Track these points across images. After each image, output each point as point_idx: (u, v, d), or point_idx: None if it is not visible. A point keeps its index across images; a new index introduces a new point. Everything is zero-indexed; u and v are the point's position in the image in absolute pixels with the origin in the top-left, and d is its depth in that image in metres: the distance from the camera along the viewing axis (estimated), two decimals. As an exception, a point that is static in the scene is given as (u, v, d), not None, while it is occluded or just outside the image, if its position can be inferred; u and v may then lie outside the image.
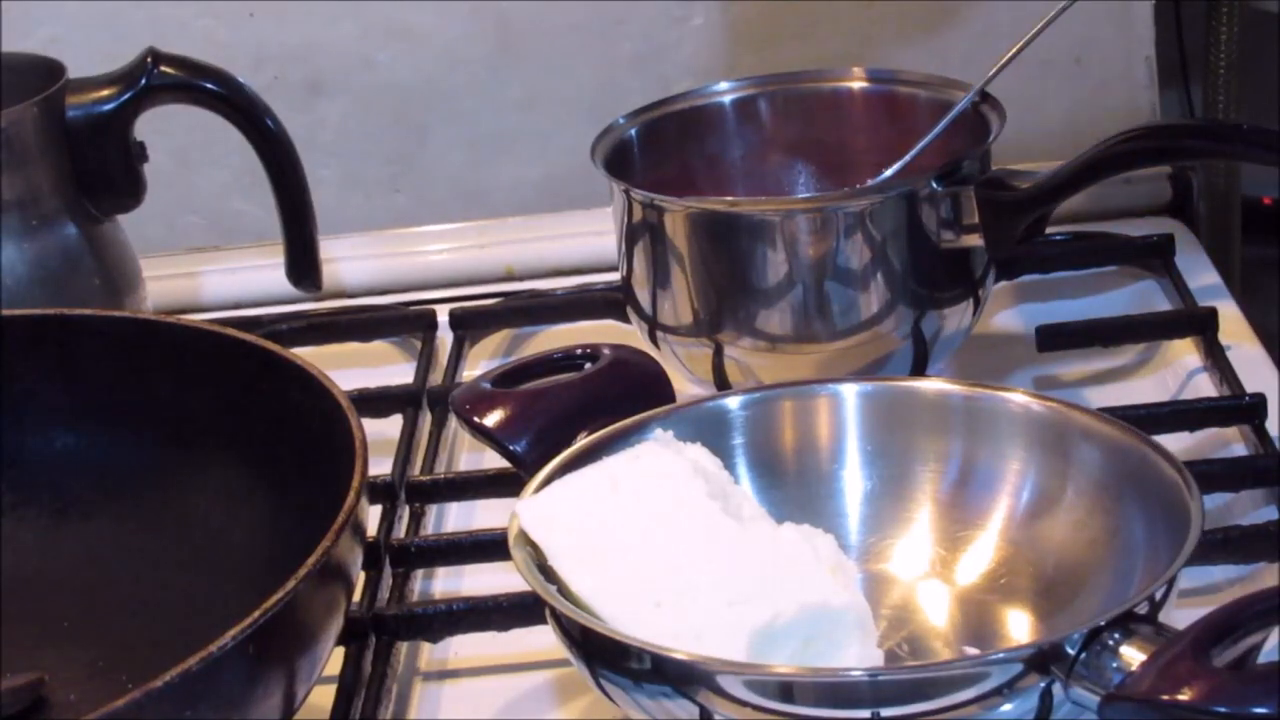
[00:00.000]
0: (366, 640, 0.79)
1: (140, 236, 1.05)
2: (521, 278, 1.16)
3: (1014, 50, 0.91)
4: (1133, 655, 0.61)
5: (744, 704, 0.62)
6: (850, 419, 0.78)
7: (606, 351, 0.81)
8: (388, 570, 0.84)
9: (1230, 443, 0.90)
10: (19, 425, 0.84)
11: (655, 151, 0.99)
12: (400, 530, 0.88)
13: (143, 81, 0.99)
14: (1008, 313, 1.04)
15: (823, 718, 0.63)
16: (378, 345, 1.08)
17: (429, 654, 0.82)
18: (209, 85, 1.00)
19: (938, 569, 0.76)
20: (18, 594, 0.81)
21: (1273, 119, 1.06)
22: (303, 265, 1.04)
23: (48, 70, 1.00)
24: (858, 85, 1.00)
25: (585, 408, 0.78)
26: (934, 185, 0.89)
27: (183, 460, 0.83)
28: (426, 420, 0.97)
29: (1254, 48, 1.32)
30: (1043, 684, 0.62)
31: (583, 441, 0.76)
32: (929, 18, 1.18)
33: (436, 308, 1.08)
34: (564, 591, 0.68)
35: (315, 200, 1.03)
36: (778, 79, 1.02)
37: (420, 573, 0.87)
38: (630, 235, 0.93)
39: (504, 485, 0.86)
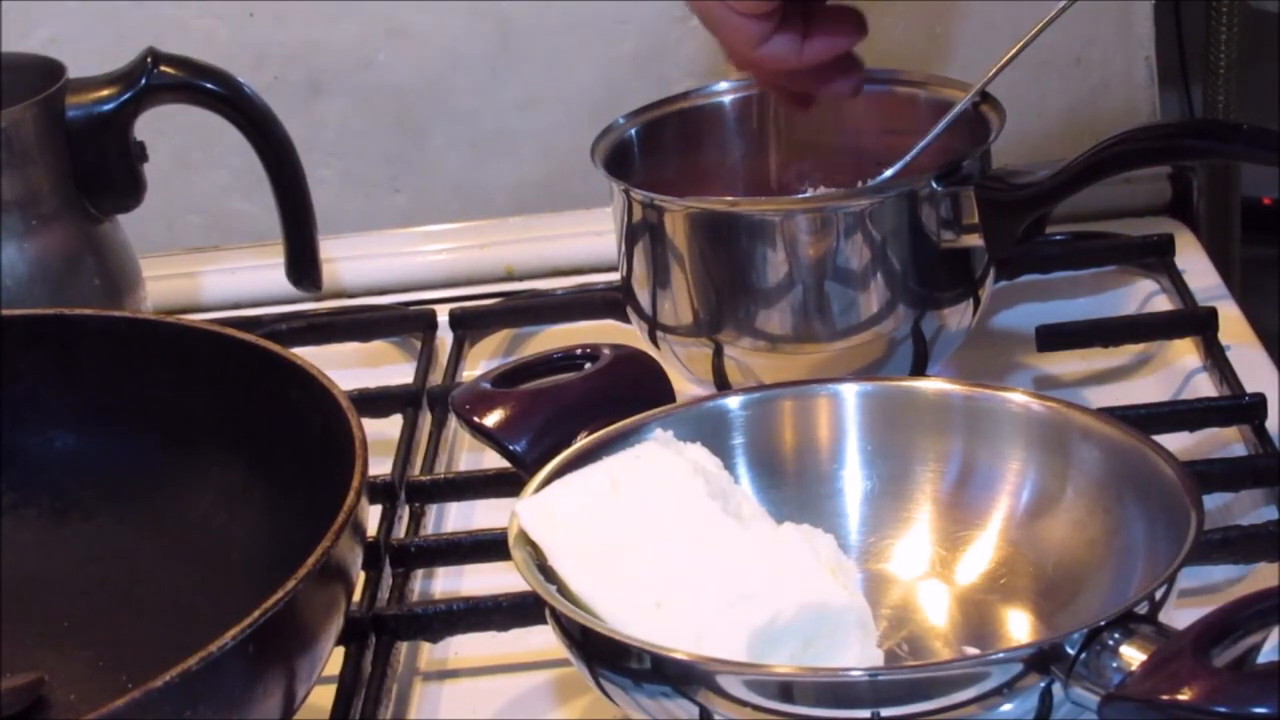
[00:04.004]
0: (366, 640, 0.79)
1: (140, 236, 1.05)
2: (521, 278, 1.16)
3: (1014, 50, 0.91)
4: (1133, 655, 0.61)
5: (744, 704, 0.62)
6: (850, 419, 0.78)
7: (606, 351, 0.81)
8: (388, 570, 0.84)
9: (1230, 443, 0.90)
10: (19, 425, 0.84)
11: (655, 151, 0.99)
12: (400, 530, 0.88)
13: (143, 81, 0.99)
14: (1008, 313, 1.04)
15: (823, 718, 0.63)
16: (378, 345, 1.08)
17: (429, 654, 0.82)
18: (209, 85, 1.00)
19: (938, 569, 0.76)
20: (18, 594, 0.81)
21: (1273, 119, 1.05)
22: (303, 265, 1.04)
23: (48, 70, 1.00)
24: (858, 85, 1.00)
25: (585, 408, 0.78)
26: (934, 185, 0.89)
27: (183, 460, 0.83)
28: (426, 420, 0.97)
29: (1254, 48, 1.32)
30: (1043, 684, 0.62)
31: (583, 441, 0.76)
32: (929, 18, 1.18)
33: (436, 308, 1.08)
34: (564, 591, 0.68)
35: (315, 200, 1.03)
36: (778, 79, 1.02)
37: (420, 573, 0.87)
38: (630, 235, 0.93)
39: (504, 485, 0.86)
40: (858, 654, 0.67)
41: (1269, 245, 1.74)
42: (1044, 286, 1.05)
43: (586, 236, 1.15)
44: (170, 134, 1.15)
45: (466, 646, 0.82)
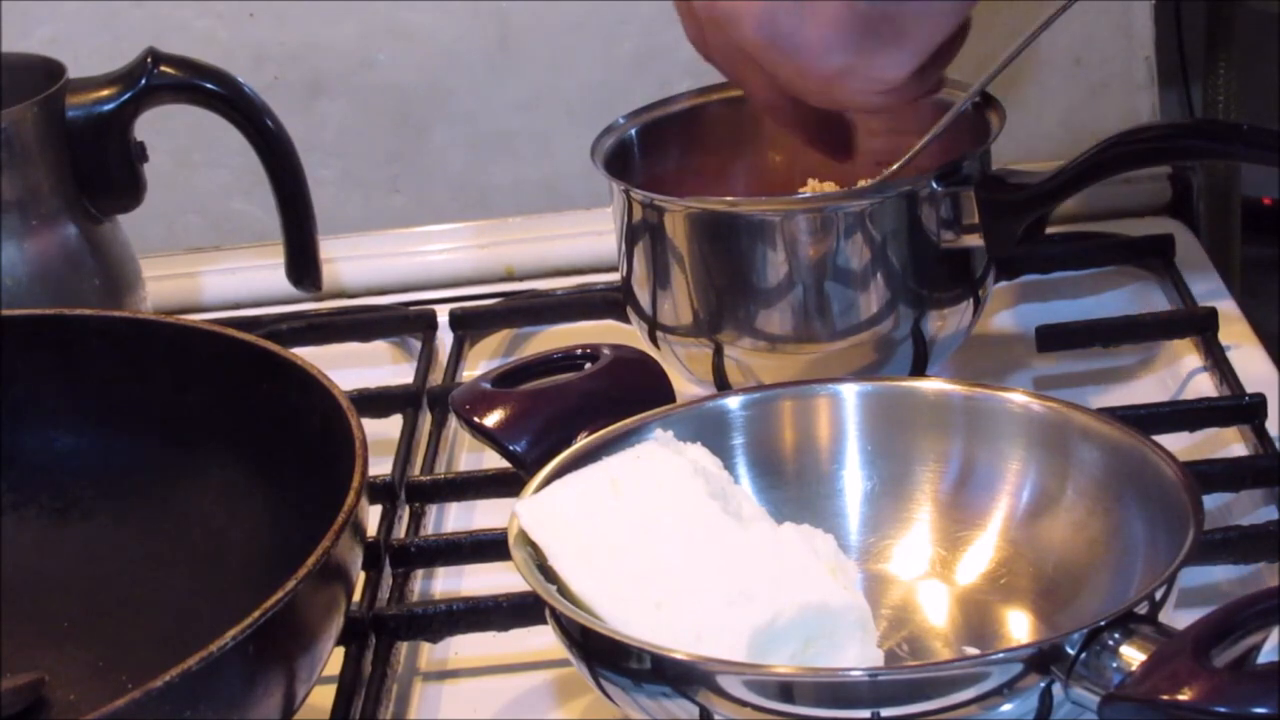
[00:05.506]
0: (366, 640, 0.79)
1: (140, 236, 1.05)
2: (521, 278, 1.16)
3: (1014, 50, 0.91)
4: (1133, 655, 0.61)
5: (744, 704, 0.62)
6: (850, 419, 0.78)
7: (606, 351, 0.81)
8: (388, 570, 0.84)
9: (1230, 443, 0.90)
10: (19, 425, 0.84)
11: (655, 151, 0.99)
12: (400, 530, 0.88)
13: (143, 81, 0.99)
14: (1008, 313, 1.04)
15: (823, 718, 0.63)
16: (378, 345, 1.08)
17: (429, 654, 0.82)
18: (209, 85, 1.00)
19: (938, 569, 0.76)
20: (18, 594, 0.81)
21: (1273, 119, 1.06)
22: (302, 265, 1.04)
23: (48, 70, 1.00)
24: (858, 85, 1.00)
25: (585, 408, 0.78)
26: (934, 185, 0.89)
27: (183, 460, 0.83)
28: (426, 420, 0.97)
29: (1254, 48, 1.32)
30: (1043, 684, 0.62)
31: (583, 441, 0.76)
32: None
33: (436, 308, 1.08)
34: (564, 591, 0.68)
35: (315, 200, 1.03)
36: (778, 79, 1.01)
37: (420, 573, 0.87)
38: (630, 235, 0.93)
39: (504, 485, 0.86)
40: (858, 654, 0.67)
41: (1269, 245, 1.74)
42: (1044, 286, 1.05)
43: (586, 236, 1.15)
44: (170, 134, 1.15)
45: (466, 646, 0.82)
